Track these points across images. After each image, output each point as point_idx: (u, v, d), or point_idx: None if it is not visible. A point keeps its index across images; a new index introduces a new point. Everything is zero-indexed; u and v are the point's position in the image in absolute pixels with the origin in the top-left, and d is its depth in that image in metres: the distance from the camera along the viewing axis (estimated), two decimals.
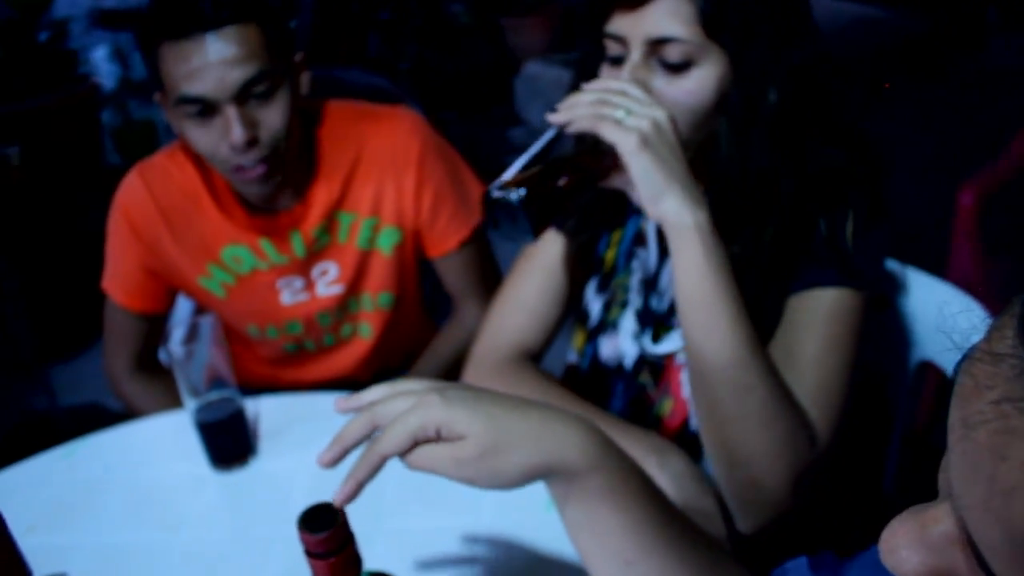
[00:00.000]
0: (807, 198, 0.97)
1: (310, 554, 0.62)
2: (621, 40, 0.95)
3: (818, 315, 0.97)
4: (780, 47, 0.94)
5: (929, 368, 1.25)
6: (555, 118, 0.91)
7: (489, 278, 1.52)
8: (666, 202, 0.88)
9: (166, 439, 1.24)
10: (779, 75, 0.94)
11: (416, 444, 0.65)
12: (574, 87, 1.11)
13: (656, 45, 0.93)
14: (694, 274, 0.90)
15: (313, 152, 1.37)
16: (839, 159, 0.98)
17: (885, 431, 1.30)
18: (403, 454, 0.65)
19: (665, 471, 0.99)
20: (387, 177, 1.39)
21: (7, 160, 2.79)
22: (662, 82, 0.95)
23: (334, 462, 0.68)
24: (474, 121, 4.15)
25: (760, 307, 0.98)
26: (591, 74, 1.04)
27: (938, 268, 1.31)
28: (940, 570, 0.38)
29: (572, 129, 0.91)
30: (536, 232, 0.87)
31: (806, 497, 0.96)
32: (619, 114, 0.88)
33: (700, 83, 0.94)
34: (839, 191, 0.98)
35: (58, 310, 3.09)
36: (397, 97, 2.66)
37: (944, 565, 0.38)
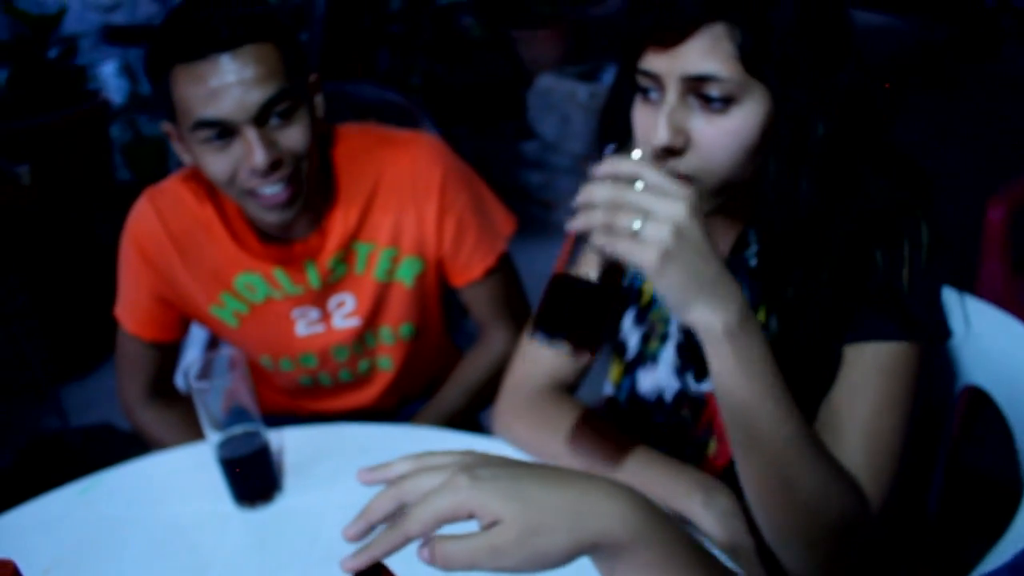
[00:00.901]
0: (862, 236, 0.92)
1: None
2: (655, 78, 0.89)
3: (874, 372, 0.92)
4: (826, 77, 0.88)
5: (974, 392, 1.21)
6: (574, 225, 0.82)
7: (516, 302, 1.48)
8: (694, 311, 0.81)
9: (188, 474, 1.19)
10: (827, 106, 0.88)
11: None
12: (604, 123, 1.07)
13: (693, 83, 0.87)
14: (728, 380, 0.84)
15: (330, 179, 1.32)
16: (893, 191, 0.93)
17: (930, 454, 1.26)
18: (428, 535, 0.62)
19: (711, 510, 0.96)
20: (407, 206, 1.34)
21: (17, 178, 2.76)
22: (701, 122, 0.89)
23: (359, 537, 0.65)
24: (486, 135, 4.12)
25: (816, 354, 0.94)
26: (622, 109, 0.99)
27: (963, 284, 1.27)
28: None
29: (590, 243, 0.82)
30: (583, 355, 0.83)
31: (857, 559, 0.92)
32: (635, 225, 0.78)
33: (742, 122, 0.88)
34: (895, 226, 0.93)
35: (69, 329, 3.07)
36: (409, 112, 2.63)
37: None
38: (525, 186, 3.92)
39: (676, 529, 0.64)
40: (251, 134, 1.13)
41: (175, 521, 1.11)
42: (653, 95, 0.91)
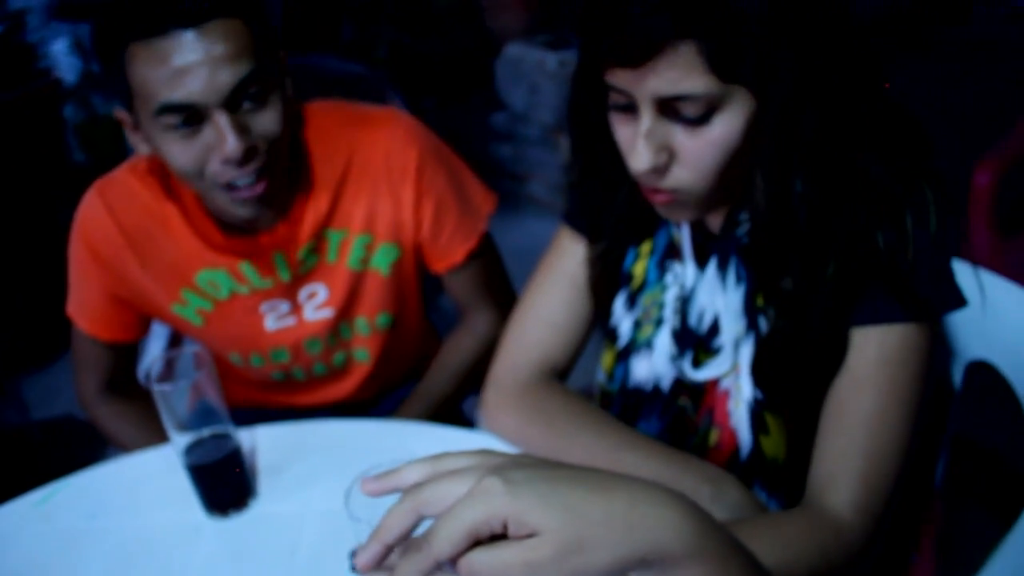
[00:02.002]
0: (864, 218, 0.86)
1: None
2: (626, 93, 0.82)
3: (881, 360, 0.87)
4: (811, 66, 0.80)
5: (980, 366, 1.16)
6: None
7: (498, 284, 1.41)
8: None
9: (154, 480, 1.11)
10: (814, 96, 0.81)
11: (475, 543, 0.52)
12: (575, 137, 0.99)
13: (668, 102, 0.80)
14: None
15: (298, 163, 1.22)
16: (894, 163, 0.87)
17: (936, 430, 1.23)
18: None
19: (720, 503, 0.90)
20: (381, 189, 1.25)
21: None
22: (683, 136, 0.82)
23: (375, 565, 0.55)
24: (454, 107, 4.04)
25: (821, 342, 0.89)
26: (589, 123, 0.94)
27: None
28: None
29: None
30: None
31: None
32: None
33: (726, 129, 0.81)
34: (897, 201, 0.86)
35: (27, 318, 2.96)
36: (375, 85, 2.54)
37: None
38: (495, 159, 3.85)
39: (732, 540, 0.56)
40: (222, 120, 1.03)
41: (142, 533, 1.03)
42: (626, 107, 0.84)
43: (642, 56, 0.77)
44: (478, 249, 1.34)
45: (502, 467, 0.54)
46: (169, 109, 1.02)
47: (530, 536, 0.51)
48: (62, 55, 4.35)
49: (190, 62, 1.00)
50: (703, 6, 0.75)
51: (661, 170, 0.84)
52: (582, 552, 0.50)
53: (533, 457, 0.58)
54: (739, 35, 0.76)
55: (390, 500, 0.58)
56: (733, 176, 0.86)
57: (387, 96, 2.62)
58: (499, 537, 0.52)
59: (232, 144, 1.03)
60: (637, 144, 0.83)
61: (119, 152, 3.87)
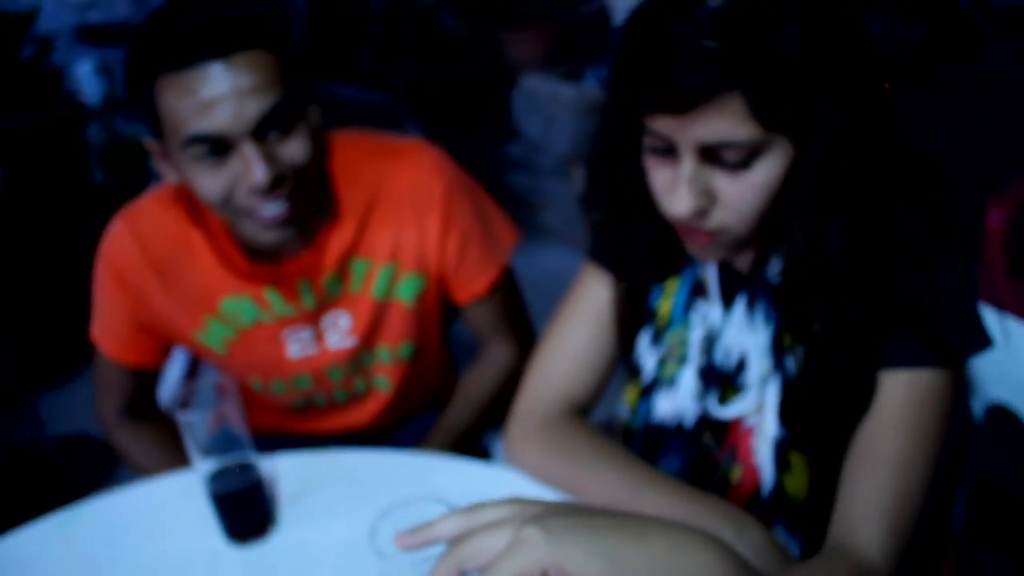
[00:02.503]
0: (894, 262, 0.87)
1: None
2: (666, 138, 0.84)
3: (908, 403, 0.88)
4: (850, 115, 0.82)
5: (999, 409, 1.16)
6: None
7: (518, 316, 1.42)
8: None
9: (174, 506, 1.12)
10: (853, 144, 0.82)
11: None
12: (594, 172, 1.01)
13: (710, 148, 0.82)
14: None
15: (324, 192, 1.23)
16: (921, 208, 0.88)
17: (954, 470, 1.23)
18: None
19: (742, 544, 0.90)
20: (407, 220, 1.26)
21: None
22: (724, 181, 0.84)
23: None
24: (470, 136, 4.06)
25: (849, 384, 0.89)
26: (619, 163, 0.95)
27: None
28: None
29: None
30: None
31: None
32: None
33: (767, 174, 0.83)
34: (925, 245, 0.88)
35: (45, 336, 2.98)
36: (392, 113, 2.57)
37: None
38: (510, 188, 3.87)
39: None
40: (249, 149, 1.04)
41: (162, 559, 1.04)
42: (665, 150, 0.86)
43: (687, 105, 0.79)
44: (500, 281, 1.35)
45: (539, 516, 0.55)
46: (197, 140, 1.04)
47: None
48: (86, 78, 4.41)
49: (218, 94, 1.02)
50: (748, 58, 0.76)
51: (702, 213, 0.86)
52: None
53: (567, 504, 0.59)
54: (782, 86, 0.77)
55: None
56: (771, 218, 0.87)
57: (405, 123, 2.65)
58: None
59: (260, 173, 1.04)
60: (679, 189, 0.84)
61: (140, 174, 3.93)
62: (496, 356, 1.42)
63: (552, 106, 3.68)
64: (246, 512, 1.03)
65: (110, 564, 1.04)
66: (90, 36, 3.66)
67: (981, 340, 0.90)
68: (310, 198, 1.15)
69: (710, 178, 0.84)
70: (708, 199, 0.85)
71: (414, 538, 0.61)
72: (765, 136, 0.80)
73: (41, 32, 3.58)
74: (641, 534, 0.54)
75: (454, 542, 0.57)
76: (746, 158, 0.82)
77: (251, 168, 1.04)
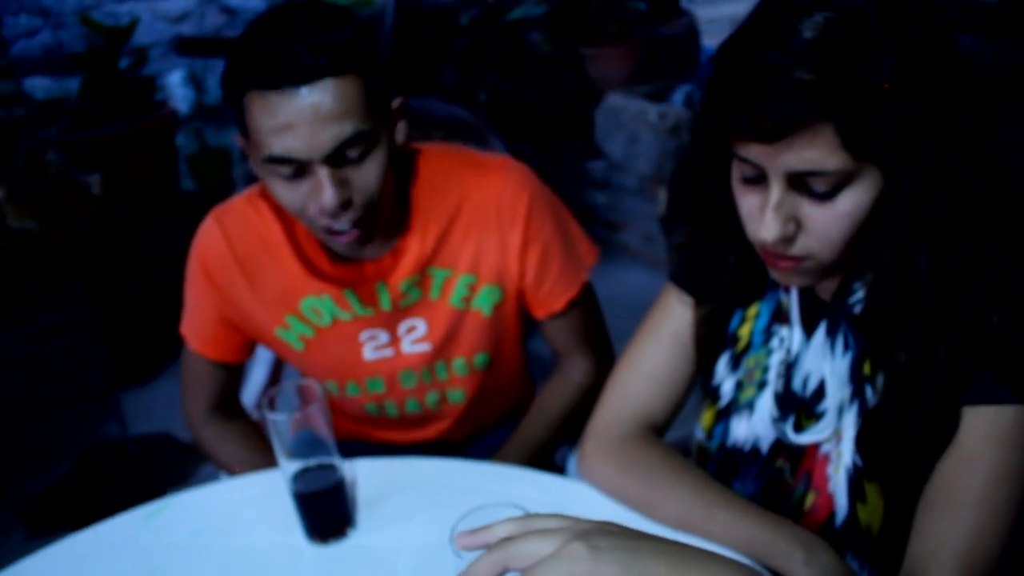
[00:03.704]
0: (981, 297, 0.86)
1: None
2: (755, 166, 0.84)
3: (991, 440, 0.86)
4: (944, 147, 0.81)
5: None
6: None
7: (596, 332, 1.43)
8: None
9: (257, 503, 1.16)
10: (945, 177, 0.81)
11: None
12: (679, 195, 1.02)
13: (799, 176, 0.82)
14: None
15: (407, 200, 1.27)
16: (1012, 243, 0.86)
17: None
18: None
19: (812, 568, 0.90)
20: (490, 232, 1.28)
21: (88, 188, 2.79)
22: (811, 209, 0.84)
23: None
24: (552, 153, 4.08)
25: (931, 418, 0.88)
26: (707, 187, 0.96)
27: None
28: None
29: None
30: None
31: None
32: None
33: (854, 204, 0.83)
34: (1012, 281, 0.86)
35: (130, 337, 3.08)
36: (476, 128, 2.60)
37: None
38: (590, 206, 3.88)
39: None
40: (323, 173, 1.08)
41: (244, 553, 1.08)
42: (754, 177, 0.86)
43: (778, 134, 0.79)
44: (579, 298, 1.36)
45: (588, 532, 0.58)
46: (274, 160, 1.08)
47: None
48: (177, 87, 4.55)
49: (296, 119, 1.05)
50: (841, 89, 0.77)
51: (788, 239, 0.86)
52: None
53: (618, 525, 0.61)
54: (875, 117, 0.77)
55: None
56: (856, 246, 0.87)
57: (487, 139, 2.68)
58: None
59: (329, 197, 1.07)
60: (766, 215, 0.85)
61: (226, 181, 4.03)
62: (573, 372, 1.43)
63: (636, 125, 3.68)
64: (327, 512, 1.06)
65: (194, 555, 1.08)
66: (183, 48, 3.78)
67: None
68: (381, 219, 1.18)
69: (797, 205, 0.85)
70: (795, 226, 0.85)
71: (473, 539, 0.63)
72: (855, 166, 0.80)
73: (137, 44, 3.71)
74: (680, 562, 0.56)
75: (504, 541, 0.59)
76: (835, 187, 0.82)
77: (322, 191, 1.08)
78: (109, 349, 2.90)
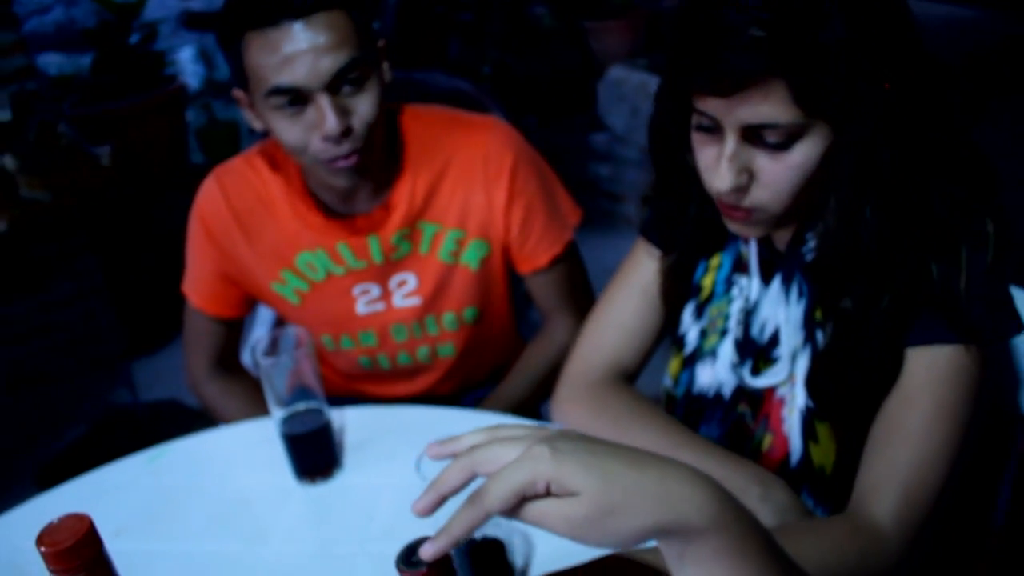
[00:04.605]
0: (922, 245, 0.90)
1: None
2: (712, 118, 0.89)
3: (930, 378, 0.90)
4: (891, 104, 0.85)
5: None
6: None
7: (580, 292, 1.48)
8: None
9: (251, 448, 1.23)
10: (892, 133, 0.86)
11: (522, 500, 0.59)
12: (654, 153, 1.06)
13: (753, 129, 0.87)
14: None
15: (398, 155, 1.34)
16: (957, 195, 0.90)
17: (999, 459, 1.23)
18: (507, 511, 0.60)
19: (768, 503, 0.95)
20: (477, 188, 1.35)
21: (98, 160, 2.84)
22: (764, 161, 0.89)
23: (430, 511, 0.62)
24: (555, 126, 4.11)
25: (875, 361, 0.92)
26: (669, 140, 1.00)
27: None
28: None
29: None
30: None
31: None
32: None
33: (805, 156, 0.87)
34: (954, 231, 0.90)
35: (141, 306, 3.15)
36: (479, 101, 2.63)
37: None
38: (593, 178, 3.91)
39: (750, 518, 0.62)
40: (324, 101, 1.15)
41: (237, 492, 1.14)
42: (711, 128, 0.91)
43: (733, 88, 0.84)
44: (563, 256, 1.42)
45: (551, 437, 0.62)
46: (278, 91, 1.15)
47: (570, 496, 0.58)
48: (188, 63, 4.60)
49: (297, 50, 1.13)
50: (793, 47, 0.81)
51: (741, 190, 0.90)
52: (613, 516, 0.57)
53: (579, 433, 0.65)
54: (825, 74, 0.82)
55: None
56: (806, 198, 0.92)
57: (490, 112, 2.71)
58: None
59: (331, 123, 1.15)
60: (720, 165, 0.89)
61: (234, 155, 4.07)
62: (557, 331, 1.48)
63: (637, 97, 3.70)
64: (314, 453, 1.12)
65: (191, 496, 1.15)
66: (192, 23, 3.82)
67: (1012, 326, 0.93)
68: (378, 151, 1.25)
69: (751, 157, 0.89)
70: (748, 177, 0.90)
71: (442, 448, 0.67)
72: (806, 120, 0.85)
73: (147, 19, 3.76)
74: (638, 462, 0.60)
75: (472, 448, 0.63)
76: (786, 140, 0.86)
77: (324, 118, 1.15)
78: (120, 318, 2.97)
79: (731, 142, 0.88)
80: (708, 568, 0.60)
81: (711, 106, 0.88)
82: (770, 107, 0.84)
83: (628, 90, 3.73)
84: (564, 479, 0.58)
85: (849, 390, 0.96)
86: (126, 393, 2.89)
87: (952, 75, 0.91)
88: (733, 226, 0.98)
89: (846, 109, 0.84)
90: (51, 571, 0.60)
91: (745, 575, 0.60)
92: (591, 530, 0.58)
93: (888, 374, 0.93)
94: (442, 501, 0.63)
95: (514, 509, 0.59)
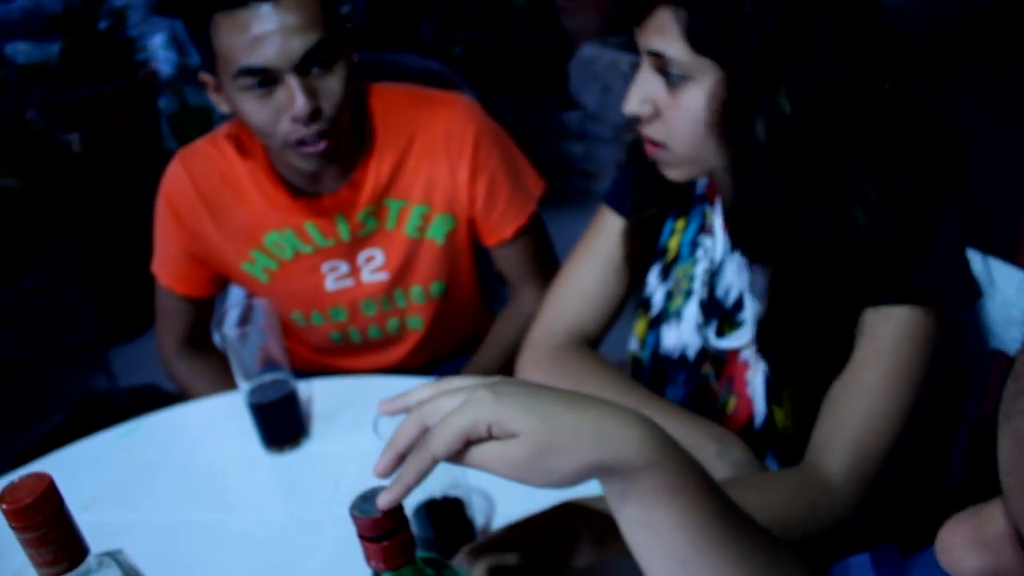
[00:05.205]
0: (876, 215, 0.91)
1: (363, 537, 0.61)
2: (637, 47, 0.95)
3: (886, 338, 0.92)
4: (776, 49, 0.86)
5: (1000, 357, 1.20)
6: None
7: (546, 263, 1.49)
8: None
9: (220, 421, 1.24)
10: (779, 79, 0.86)
11: (468, 444, 0.61)
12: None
13: (655, 58, 0.91)
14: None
15: (364, 134, 1.35)
16: (916, 168, 0.91)
17: (954, 421, 1.26)
18: (454, 455, 0.62)
19: (724, 460, 0.97)
20: (440, 163, 1.36)
21: (68, 146, 2.83)
22: (666, 97, 0.93)
23: (390, 470, 0.64)
24: (528, 106, 4.11)
25: (827, 323, 0.95)
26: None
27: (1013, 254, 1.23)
28: (996, 570, 0.37)
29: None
30: None
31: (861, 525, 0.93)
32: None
33: (694, 101, 0.91)
34: (914, 196, 0.92)
35: (117, 293, 3.14)
36: (451, 82, 2.64)
37: (1001, 565, 0.37)
38: (567, 156, 3.92)
39: (687, 457, 0.64)
40: (293, 82, 1.16)
41: (207, 464, 1.16)
42: (639, 63, 0.96)
43: (633, 17, 0.90)
44: (527, 227, 1.43)
45: (492, 383, 0.64)
46: (247, 72, 1.16)
47: (511, 437, 0.60)
48: (159, 49, 4.56)
49: (266, 31, 1.14)
50: None
51: (647, 121, 0.95)
52: (552, 455, 0.60)
53: (521, 379, 0.67)
54: (711, 14, 0.85)
55: None
56: (717, 157, 0.95)
57: (462, 92, 2.72)
58: None
59: (301, 104, 1.16)
60: (629, 90, 0.94)
61: None
62: (524, 302, 1.50)
63: (609, 75, 3.71)
64: (281, 422, 1.14)
65: (163, 467, 1.16)
66: (162, 8, 3.80)
67: (965, 286, 0.95)
68: (345, 133, 1.26)
69: (656, 90, 0.93)
70: (651, 108, 0.94)
71: (393, 404, 0.69)
72: (696, 60, 0.88)
73: (116, 5, 3.73)
74: (576, 404, 0.62)
75: (421, 403, 0.65)
76: (681, 76, 0.90)
77: (293, 99, 1.16)
78: (97, 305, 2.96)
79: (644, 68, 0.94)
80: (648, 505, 0.62)
81: (637, 37, 0.93)
82: (662, 38, 0.89)
83: (600, 68, 3.74)
84: (504, 421, 0.60)
85: (805, 354, 0.98)
86: (104, 380, 2.89)
87: (912, 45, 0.93)
88: (658, 164, 1.01)
89: (734, 54, 0.87)
90: (12, 529, 0.61)
91: (684, 513, 0.62)
92: (532, 470, 0.60)
93: (845, 336, 0.95)
94: (400, 459, 0.65)
95: (460, 454, 0.61)
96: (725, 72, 0.88)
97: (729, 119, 0.90)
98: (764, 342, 1.00)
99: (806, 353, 0.98)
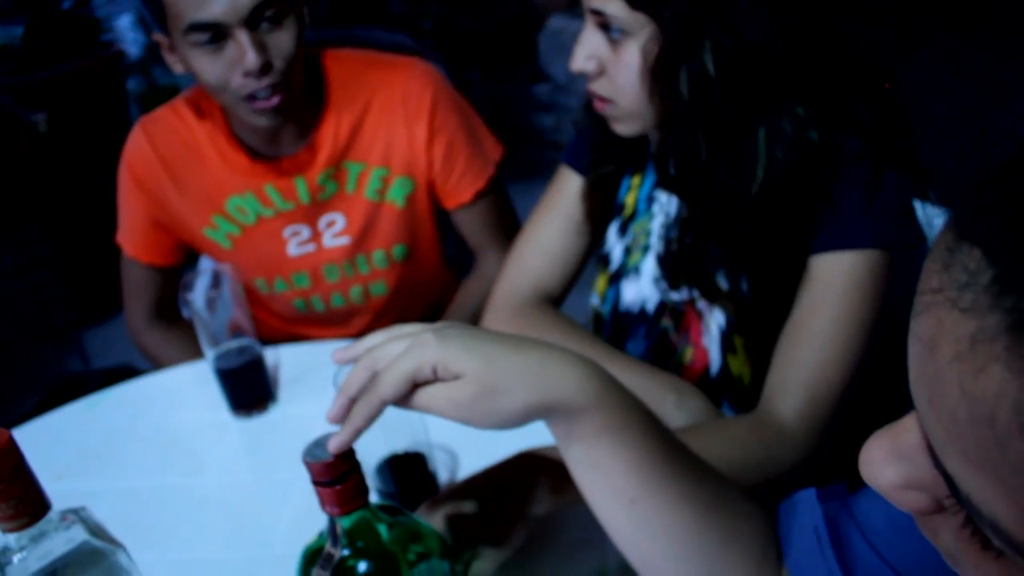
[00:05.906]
0: (813, 163, 0.93)
1: (317, 483, 0.62)
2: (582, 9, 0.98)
3: (834, 282, 0.94)
4: (712, 22, 0.88)
5: None
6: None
7: (508, 227, 1.50)
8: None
9: (188, 388, 1.25)
10: (704, 52, 0.89)
11: (415, 387, 0.63)
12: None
13: (596, 15, 0.94)
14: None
15: (320, 96, 1.36)
16: (862, 116, 0.94)
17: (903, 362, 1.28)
18: (401, 398, 0.63)
19: (683, 409, 0.99)
20: (398, 126, 1.37)
21: (34, 127, 2.81)
22: (607, 52, 0.96)
23: (342, 416, 0.65)
24: (499, 79, 4.11)
25: (778, 265, 0.97)
26: None
27: None
28: (913, 480, 0.38)
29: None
30: None
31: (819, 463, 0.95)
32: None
33: (633, 57, 0.94)
34: (851, 150, 0.94)
35: (89, 275, 3.13)
36: (420, 56, 2.63)
37: (917, 474, 0.38)
38: (538, 129, 3.93)
39: (631, 397, 0.66)
40: (243, 36, 1.16)
41: (175, 430, 1.17)
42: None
43: None
44: (486, 190, 1.45)
45: (438, 327, 0.65)
46: (196, 27, 1.16)
47: (455, 379, 0.62)
48: (126, 30, 4.52)
49: None
50: None
51: (592, 77, 0.98)
52: (496, 395, 0.61)
53: (466, 324, 0.69)
54: None
55: None
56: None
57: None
58: None
59: (251, 58, 1.16)
60: (575, 48, 0.97)
61: None
62: (487, 266, 1.51)
63: None
64: (247, 386, 1.15)
65: (132, 435, 1.17)
66: None
67: (908, 232, 0.97)
68: (300, 93, 1.26)
69: (600, 47, 0.96)
70: (596, 64, 0.97)
71: (346, 353, 0.71)
72: (631, 15, 0.91)
73: None
74: (520, 346, 0.64)
75: (371, 349, 0.67)
76: (620, 31, 0.93)
77: (244, 53, 1.16)
78: (70, 287, 2.95)
79: (588, 25, 0.97)
80: (592, 446, 0.64)
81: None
82: None
83: (568, 39, 3.74)
84: (449, 362, 0.61)
85: (757, 301, 1.00)
86: (78, 362, 2.89)
87: (869, 9, 0.95)
88: (606, 119, 1.04)
89: (666, 10, 0.90)
90: None
91: (628, 452, 0.64)
92: (476, 410, 0.61)
93: (792, 281, 0.97)
94: (351, 404, 0.65)
95: (408, 397, 0.63)
96: (658, 28, 0.91)
97: (658, 73, 0.93)
98: (706, 288, 1.04)
99: (761, 300, 1.00)
